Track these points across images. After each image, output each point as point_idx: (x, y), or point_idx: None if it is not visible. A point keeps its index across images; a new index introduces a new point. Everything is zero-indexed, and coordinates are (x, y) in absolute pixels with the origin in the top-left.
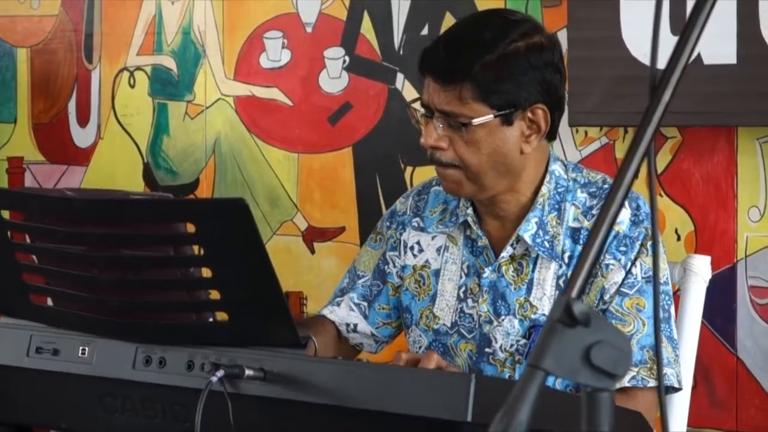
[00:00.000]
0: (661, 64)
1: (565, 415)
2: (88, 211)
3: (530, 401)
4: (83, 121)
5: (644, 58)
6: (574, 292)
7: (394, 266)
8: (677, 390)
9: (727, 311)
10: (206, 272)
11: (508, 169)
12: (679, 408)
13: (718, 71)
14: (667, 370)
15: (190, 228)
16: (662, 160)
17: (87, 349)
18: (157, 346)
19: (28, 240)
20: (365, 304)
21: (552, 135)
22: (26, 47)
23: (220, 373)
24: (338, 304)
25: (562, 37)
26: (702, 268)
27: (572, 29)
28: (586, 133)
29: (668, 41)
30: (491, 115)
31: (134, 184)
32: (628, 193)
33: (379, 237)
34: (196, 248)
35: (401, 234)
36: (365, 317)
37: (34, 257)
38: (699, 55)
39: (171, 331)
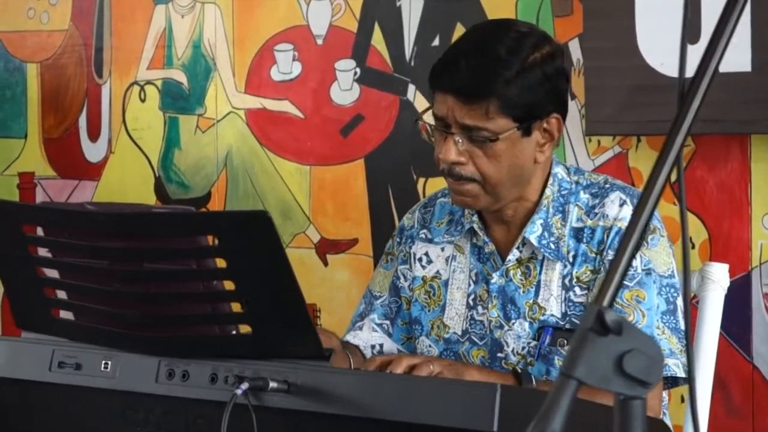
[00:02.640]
0: (677, 71)
1: (597, 425)
2: (110, 225)
3: (563, 410)
4: (94, 135)
5: (660, 67)
6: (606, 301)
7: (406, 280)
8: (684, 380)
9: (743, 319)
10: (229, 285)
11: (523, 180)
12: (700, 411)
13: (733, 79)
14: (669, 361)
15: (213, 241)
16: (676, 168)
17: (110, 363)
18: (180, 360)
19: (49, 254)
20: (387, 322)
21: (558, 141)
22: (36, 62)
23: (245, 385)
24: (360, 328)
25: (574, 46)
26: (720, 276)
27: (587, 39)
28: (599, 142)
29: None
30: (514, 128)
31: (146, 198)
32: (659, 200)
33: (390, 257)
34: (218, 261)
35: (410, 247)
36: (389, 335)
37: (55, 271)
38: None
39: (194, 344)
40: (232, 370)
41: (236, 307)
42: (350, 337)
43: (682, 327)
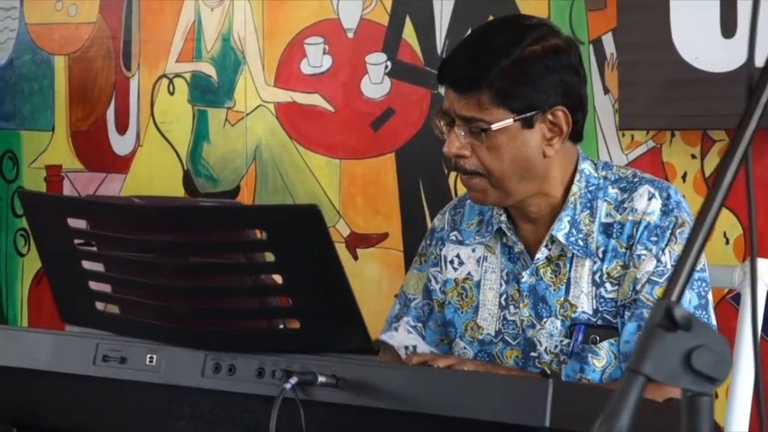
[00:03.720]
0: (712, 65)
1: (663, 425)
2: (157, 219)
3: (631, 407)
4: (122, 128)
5: (695, 62)
6: (674, 296)
7: (437, 282)
8: None
9: None
10: (277, 279)
11: (532, 173)
12: (741, 409)
13: None
14: None
15: (261, 235)
16: (710, 163)
17: (155, 356)
18: (227, 354)
19: (94, 248)
20: (420, 325)
21: (578, 136)
22: (64, 55)
23: (294, 380)
24: (396, 329)
25: (608, 40)
26: (764, 272)
27: (621, 33)
28: (632, 136)
29: (718, 43)
30: (511, 120)
31: (174, 191)
32: (728, 195)
33: (423, 259)
34: (266, 255)
35: (441, 250)
36: (423, 338)
37: (100, 265)
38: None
39: (241, 338)
40: (279, 365)
41: (284, 301)
42: (386, 337)
43: (714, 322)
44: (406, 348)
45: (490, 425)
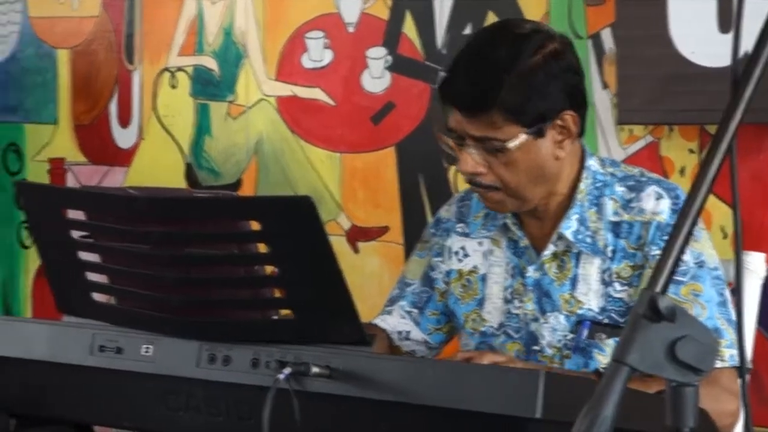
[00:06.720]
0: (709, 60)
1: (648, 414)
2: (153, 210)
3: (615, 397)
4: (124, 121)
5: (692, 56)
6: (659, 287)
7: (440, 272)
8: (748, 370)
9: None
10: (271, 270)
11: (546, 178)
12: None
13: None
14: (732, 351)
15: (255, 226)
16: None
17: (151, 347)
18: (222, 344)
19: (90, 239)
20: (416, 311)
21: (582, 132)
22: (67, 48)
23: (288, 370)
24: (389, 313)
25: (607, 35)
26: (758, 265)
27: (619, 27)
28: (631, 131)
29: (714, 37)
30: (524, 134)
31: (176, 184)
32: (711, 188)
33: (426, 245)
34: (260, 246)
35: (445, 240)
36: (417, 324)
37: (96, 256)
38: (747, 52)
39: (235, 328)
40: (274, 355)
41: (278, 292)
42: (378, 321)
43: (734, 318)
44: (399, 333)
45: (481, 416)
